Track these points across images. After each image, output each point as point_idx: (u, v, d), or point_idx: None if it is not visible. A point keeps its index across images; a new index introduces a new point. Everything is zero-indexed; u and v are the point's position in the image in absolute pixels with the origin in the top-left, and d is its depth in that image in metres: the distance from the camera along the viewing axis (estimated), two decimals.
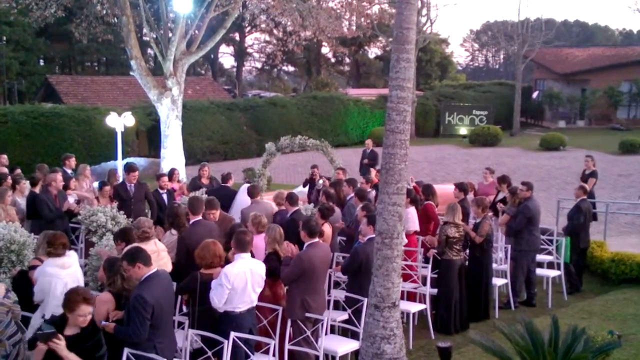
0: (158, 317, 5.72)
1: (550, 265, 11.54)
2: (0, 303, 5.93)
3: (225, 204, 10.93)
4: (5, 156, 14.20)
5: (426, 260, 9.84)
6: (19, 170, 13.21)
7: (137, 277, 5.88)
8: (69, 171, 12.83)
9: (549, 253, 11.48)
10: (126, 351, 5.53)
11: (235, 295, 6.44)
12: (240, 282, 6.45)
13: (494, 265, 10.46)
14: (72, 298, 5.09)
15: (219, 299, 6.39)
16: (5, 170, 12.98)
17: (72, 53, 48.99)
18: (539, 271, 11.02)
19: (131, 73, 20.83)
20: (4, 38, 41.83)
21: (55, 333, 4.95)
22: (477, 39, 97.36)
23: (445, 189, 13.96)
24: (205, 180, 13.03)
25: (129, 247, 6.54)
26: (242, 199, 11.13)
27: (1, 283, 6.39)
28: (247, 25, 52.58)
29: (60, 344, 4.92)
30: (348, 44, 45.69)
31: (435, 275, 9.59)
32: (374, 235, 7.73)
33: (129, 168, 11.77)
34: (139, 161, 22.41)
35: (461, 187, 11.28)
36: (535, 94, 45.79)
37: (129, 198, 11.37)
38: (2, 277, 7.60)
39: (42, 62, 49.07)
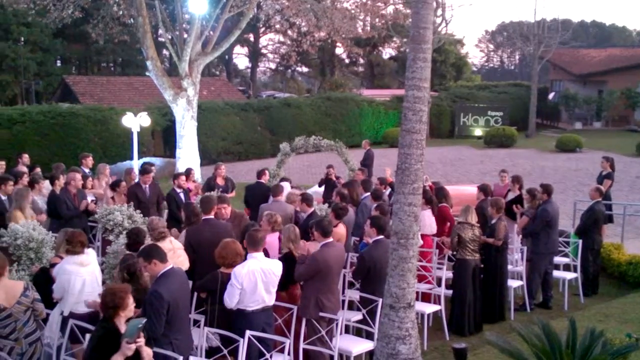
0: (174, 313, 5.76)
1: (567, 268, 11.48)
2: (18, 302, 5.98)
3: (261, 199, 11.23)
4: (26, 155, 14.34)
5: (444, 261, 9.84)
6: (38, 170, 13.34)
7: (153, 273, 5.93)
8: (86, 170, 12.91)
9: (566, 255, 11.41)
10: None
11: (245, 295, 6.45)
12: (250, 282, 6.46)
13: (510, 267, 10.41)
14: (120, 294, 4.99)
15: (230, 299, 6.43)
16: (25, 169, 13.10)
17: (89, 54, 49.34)
18: (555, 273, 10.95)
19: (147, 73, 20.99)
20: (22, 39, 42.21)
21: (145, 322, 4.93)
22: (492, 39, 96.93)
23: (459, 190, 13.94)
24: (220, 180, 13.06)
25: (145, 244, 6.60)
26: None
27: (20, 281, 6.45)
28: (261, 25, 52.70)
29: (142, 340, 4.86)
30: (362, 45, 45.65)
31: (451, 276, 9.58)
32: (379, 238, 7.75)
33: (143, 170, 11.80)
34: (155, 161, 22.50)
35: (483, 189, 11.20)
36: (551, 95, 45.50)
37: (145, 199, 11.41)
38: (22, 274, 7.68)
39: (59, 63, 49.47)
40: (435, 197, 11.07)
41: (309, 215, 9.64)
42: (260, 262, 6.65)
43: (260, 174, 12.46)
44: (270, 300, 6.72)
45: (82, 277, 6.52)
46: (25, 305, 6.03)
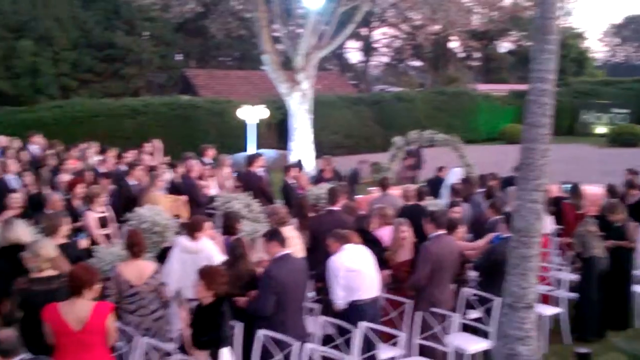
0: (284, 295, 5.93)
1: None
2: (146, 282, 6.30)
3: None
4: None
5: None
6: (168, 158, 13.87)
7: (271, 254, 6.19)
8: (207, 161, 13.27)
9: None
10: (259, 332, 5.81)
11: (353, 282, 6.52)
12: (353, 266, 6.55)
13: (634, 272, 9.80)
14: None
15: (336, 292, 6.51)
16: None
17: (207, 48, 50.97)
18: None
19: (263, 67, 21.41)
20: (146, 33, 44.16)
21: None
22: (617, 33, 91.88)
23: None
24: (327, 174, 13.12)
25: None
26: (452, 181, 12.03)
27: (152, 262, 6.74)
28: (375, 19, 52.51)
29: None
30: (478, 38, 44.56)
31: (572, 278, 9.18)
32: (510, 235, 7.49)
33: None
34: (269, 153, 22.97)
35: (610, 190, 10.69)
36: None
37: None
38: (146, 257, 7.99)
39: (179, 57, 51.39)
40: (570, 194, 10.86)
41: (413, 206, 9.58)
42: (354, 250, 6.71)
43: (440, 169, 13.39)
44: (377, 289, 6.77)
45: (197, 262, 6.56)
46: (152, 287, 6.34)
